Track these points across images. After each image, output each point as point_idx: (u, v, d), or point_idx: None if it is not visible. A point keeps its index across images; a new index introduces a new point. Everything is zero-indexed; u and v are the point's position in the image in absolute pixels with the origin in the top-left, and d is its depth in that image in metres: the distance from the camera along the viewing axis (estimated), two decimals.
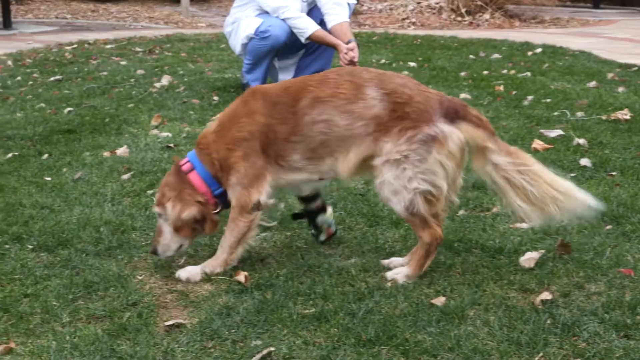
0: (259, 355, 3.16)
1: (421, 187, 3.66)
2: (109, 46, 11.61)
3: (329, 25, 7.53)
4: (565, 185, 3.74)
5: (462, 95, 7.73)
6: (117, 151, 5.95)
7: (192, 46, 11.54)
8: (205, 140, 3.96)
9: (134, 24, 15.39)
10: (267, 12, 7.53)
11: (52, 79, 9.14)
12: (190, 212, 3.93)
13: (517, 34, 13.63)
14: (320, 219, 4.23)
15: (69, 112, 7.35)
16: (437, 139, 3.62)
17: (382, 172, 3.70)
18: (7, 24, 13.86)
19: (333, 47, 7.45)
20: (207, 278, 3.89)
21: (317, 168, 3.85)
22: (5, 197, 5.05)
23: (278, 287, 3.75)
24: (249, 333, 3.34)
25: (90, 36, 12.82)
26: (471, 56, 10.57)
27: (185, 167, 3.98)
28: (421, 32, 13.26)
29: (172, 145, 6.10)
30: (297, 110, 3.77)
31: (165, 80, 8.68)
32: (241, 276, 3.85)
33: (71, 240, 4.32)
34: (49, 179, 5.39)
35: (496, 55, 10.57)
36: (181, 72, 9.33)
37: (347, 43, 7.36)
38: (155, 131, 6.56)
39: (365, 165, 3.79)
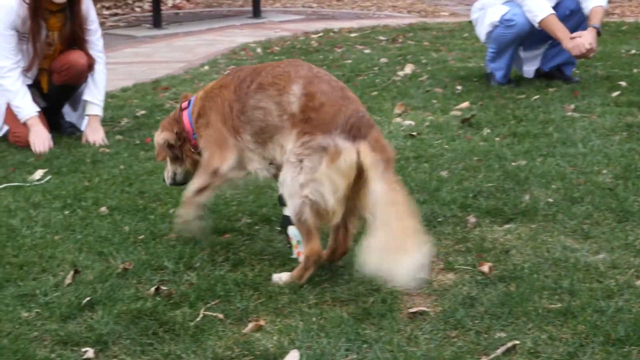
0: (503, 348, 3.13)
1: (310, 197, 3.61)
2: (353, 34, 11.75)
3: (586, 10, 7.31)
4: (404, 244, 3.40)
5: None
6: None
7: (435, 35, 11.50)
8: (200, 93, 4.24)
9: (377, 13, 15.53)
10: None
11: None
12: (164, 135, 4.32)
13: None
14: (291, 231, 4.03)
15: None
16: (329, 151, 3.57)
17: (284, 170, 3.72)
18: (257, 13, 14.35)
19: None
20: (451, 267, 3.90)
21: (263, 152, 3.91)
22: None
23: (523, 280, 3.69)
24: (492, 325, 3.32)
25: (335, 25, 13.02)
26: None
27: (183, 105, 4.31)
28: None
29: (415, 133, 6.12)
30: (248, 92, 3.91)
31: (409, 68, 8.70)
32: (485, 267, 3.82)
33: None
34: None
35: None
36: (424, 60, 9.32)
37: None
38: (398, 119, 6.60)
39: None
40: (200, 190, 4.12)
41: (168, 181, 4.48)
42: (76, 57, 6.34)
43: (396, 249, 3.40)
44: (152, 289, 3.73)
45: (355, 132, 3.59)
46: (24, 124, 6.22)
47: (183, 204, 4.21)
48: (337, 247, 3.90)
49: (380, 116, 6.72)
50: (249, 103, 3.90)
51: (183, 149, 4.31)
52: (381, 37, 11.30)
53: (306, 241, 3.74)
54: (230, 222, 4.53)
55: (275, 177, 3.91)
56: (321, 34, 11.86)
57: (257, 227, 4.45)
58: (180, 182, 4.45)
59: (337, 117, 3.63)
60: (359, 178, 3.60)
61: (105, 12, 14.51)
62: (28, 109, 6.24)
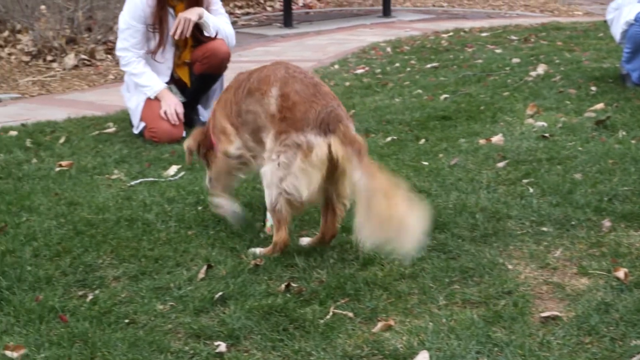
0: (639, 356, 3.05)
1: (287, 190, 3.95)
2: (484, 34, 11.64)
3: None
4: (403, 220, 3.64)
5: None
6: (492, 139, 5.96)
7: (569, 35, 11.29)
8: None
9: (509, 12, 15.34)
10: None
11: (428, 66, 9.33)
12: (187, 142, 4.71)
13: None
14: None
15: (445, 98, 7.48)
16: (302, 148, 3.88)
17: (266, 164, 4.03)
18: (387, 12, 14.36)
19: None
20: (585, 272, 3.82)
21: (261, 150, 4.19)
22: None
23: None
24: (628, 332, 3.24)
25: (466, 24, 12.92)
26: None
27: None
28: None
29: (547, 135, 6.01)
30: (242, 96, 4.24)
31: (541, 69, 8.56)
32: (621, 272, 3.74)
33: (447, 225, 4.39)
34: (426, 163, 5.52)
35: None
36: (557, 61, 9.16)
37: None
38: (530, 120, 6.50)
39: None
40: (218, 175, 4.53)
41: (206, 185, 4.77)
42: (218, 45, 6.52)
43: (395, 226, 3.64)
44: (283, 285, 3.77)
45: (324, 127, 3.88)
46: (156, 99, 6.46)
47: (209, 191, 4.63)
48: (326, 230, 4.15)
49: (511, 117, 6.63)
50: (242, 107, 4.24)
51: (208, 156, 4.64)
52: (513, 37, 11.16)
53: (276, 230, 4.07)
54: None
55: None
56: (452, 34, 11.78)
57: None
58: None
59: (308, 114, 3.91)
60: (335, 169, 3.91)
61: (238, 11, 14.75)
62: (156, 84, 6.50)
